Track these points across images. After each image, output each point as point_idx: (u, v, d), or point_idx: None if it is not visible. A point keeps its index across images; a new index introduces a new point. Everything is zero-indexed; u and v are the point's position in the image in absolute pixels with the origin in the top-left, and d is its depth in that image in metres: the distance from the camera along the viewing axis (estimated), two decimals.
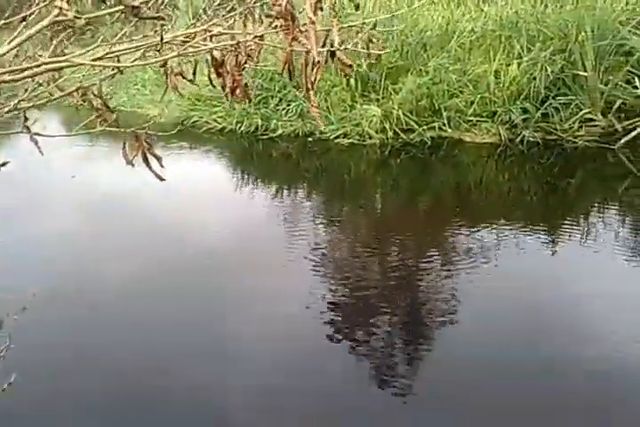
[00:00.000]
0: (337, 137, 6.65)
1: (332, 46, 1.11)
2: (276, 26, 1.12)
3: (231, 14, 1.16)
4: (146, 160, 1.20)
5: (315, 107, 1.27)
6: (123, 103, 8.28)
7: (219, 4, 1.41)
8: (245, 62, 1.15)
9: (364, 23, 1.20)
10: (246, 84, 1.23)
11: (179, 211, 4.87)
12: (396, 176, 6.22)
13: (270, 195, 5.62)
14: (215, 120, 7.18)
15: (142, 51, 1.12)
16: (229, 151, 6.96)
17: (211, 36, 1.13)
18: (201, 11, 1.38)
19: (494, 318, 3.29)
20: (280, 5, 0.99)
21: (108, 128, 1.14)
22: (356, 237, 4.70)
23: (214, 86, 1.45)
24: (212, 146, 7.00)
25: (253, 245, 4.32)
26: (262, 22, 1.16)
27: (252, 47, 1.15)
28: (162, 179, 1.24)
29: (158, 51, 1.04)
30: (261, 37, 1.16)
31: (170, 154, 6.39)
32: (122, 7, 0.84)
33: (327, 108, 6.70)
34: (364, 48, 1.24)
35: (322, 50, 1.11)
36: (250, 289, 3.61)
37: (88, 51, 1.00)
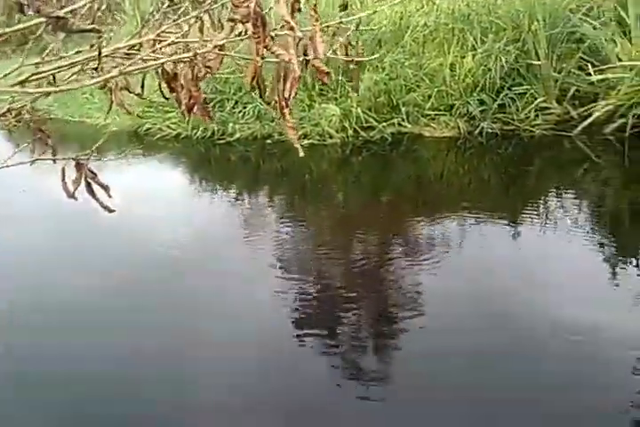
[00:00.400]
0: (297, 138, 6.51)
1: (305, 54, 0.97)
2: (241, 32, 0.98)
3: (184, 19, 1.01)
4: (91, 191, 1.04)
5: (291, 128, 1.13)
6: (70, 113, 7.96)
7: (168, 6, 1.25)
8: (205, 75, 1.01)
9: (340, 22, 1.07)
10: (205, 99, 1.09)
11: (135, 221, 4.65)
12: (358, 174, 6.15)
13: (230, 200, 5.46)
14: (169, 127, 6.95)
15: (79, 66, 0.96)
16: (186, 158, 6.75)
17: (160, 46, 0.98)
18: (148, 15, 1.22)
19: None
20: (247, 7, 0.85)
21: (42, 159, 0.98)
22: (324, 236, 4.59)
23: (167, 99, 1.30)
24: (167, 153, 6.78)
25: (217, 250, 4.17)
26: (222, 28, 1.02)
27: (212, 57, 1.01)
28: (111, 210, 1.09)
29: (96, 69, 0.89)
30: (222, 47, 1.01)
31: (123, 163, 6.16)
32: (43, 20, 0.68)
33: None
34: (343, 53, 1.11)
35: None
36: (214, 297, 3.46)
37: (11, 73, 0.84)
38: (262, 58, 0.93)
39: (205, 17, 1.04)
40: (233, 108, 6.87)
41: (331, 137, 6.46)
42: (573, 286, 3.39)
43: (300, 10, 0.90)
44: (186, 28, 1.04)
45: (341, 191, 5.74)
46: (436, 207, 4.96)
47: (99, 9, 0.96)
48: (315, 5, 1.01)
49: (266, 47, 0.90)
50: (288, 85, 1.00)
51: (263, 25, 0.87)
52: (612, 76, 6.00)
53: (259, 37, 0.88)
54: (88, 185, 1.10)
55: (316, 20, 0.98)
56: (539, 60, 6.33)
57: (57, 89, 0.87)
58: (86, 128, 7.61)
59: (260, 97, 1.11)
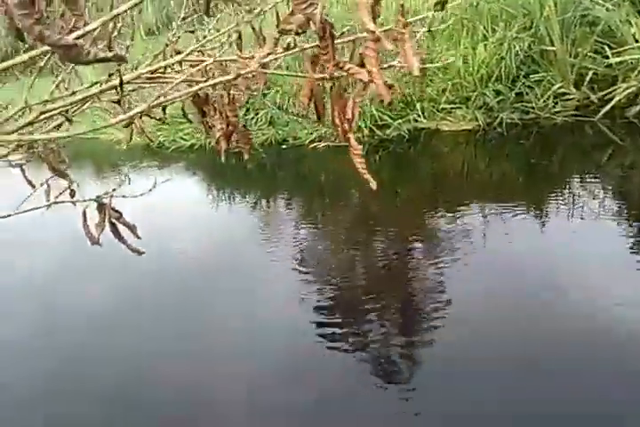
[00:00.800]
0: (312, 141, 6.43)
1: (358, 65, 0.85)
2: (289, 45, 0.87)
3: (218, 34, 0.91)
4: (116, 233, 0.96)
5: (358, 155, 1.01)
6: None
7: (184, 18, 1.15)
8: (247, 100, 0.91)
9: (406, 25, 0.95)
10: (245, 125, 0.99)
11: (159, 237, 4.59)
12: (376, 174, 6.01)
13: (251, 210, 5.38)
14: (183, 138, 6.90)
15: (93, 98, 0.87)
16: (200, 168, 6.70)
17: (198, 69, 0.88)
18: (173, 25, 1.12)
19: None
20: (309, 13, 0.72)
21: (59, 202, 0.90)
22: (363, 236, 4.51)
23: (190, 122, 1.22)
24: (182, 164, 6.73)
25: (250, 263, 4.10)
26: (264, 41, 0.91)
27: (254, 77, 0.90)
28: (140, 252, 1.00)
29: (118, 102, 0.79)
30: (265, 64, 0.91)
31: (139, 175, 6.14)
32: (47, 49, 0.59)
33: (298, 112, 6.48)
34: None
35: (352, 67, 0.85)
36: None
37: (17, 113, 0.75)
38: (332, 77, 0.82)
39: (244, 29, 0.93)
40: (245, 114, 6.80)
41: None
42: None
43: (378, 15, 0.78)
44: (216, 44, 0.94)
45: (366, 192, 5.64)
46: (466, 201, 4.85)
47: (115, 28, 0.85)
48: (402, 6, 0.88)
49: (337, 64, 0.79)
50: (350, 104, 0.89)
51: (331, 36, 0.75)
52: (630, 57, 5.82)
53: (327, 52, 0.76)
54: (113, 225, 1.01)
55: (405, 26, 0.86)
56: (553, 45, 6.17)
57: (74, 133, 0.78)
58: (100, 144, 7.59)
59: (318, 119, 1.00)
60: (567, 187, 4.99)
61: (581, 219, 4.16)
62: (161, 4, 11.17)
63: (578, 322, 2.94)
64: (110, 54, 0.60)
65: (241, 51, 0.98)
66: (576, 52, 6.18)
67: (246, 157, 1.40)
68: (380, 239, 4.44)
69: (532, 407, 2.43)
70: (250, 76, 0.96)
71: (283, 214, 5.25)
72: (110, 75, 0.83)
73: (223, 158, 1.61)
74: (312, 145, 6.43)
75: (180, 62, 0.94)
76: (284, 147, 6.57)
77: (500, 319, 3.07)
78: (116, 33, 0.87)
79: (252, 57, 0.95)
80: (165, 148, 7.00)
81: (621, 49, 5.87)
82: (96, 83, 0.85)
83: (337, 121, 0.97)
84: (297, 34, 0.79)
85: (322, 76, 0.90)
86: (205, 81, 0.88)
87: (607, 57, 5.94)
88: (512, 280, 3.45)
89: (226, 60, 0.94)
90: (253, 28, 0.97)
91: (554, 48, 6.17)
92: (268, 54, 0.92)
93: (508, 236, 4.05)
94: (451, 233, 4.22)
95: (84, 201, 0.94)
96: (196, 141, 6.89)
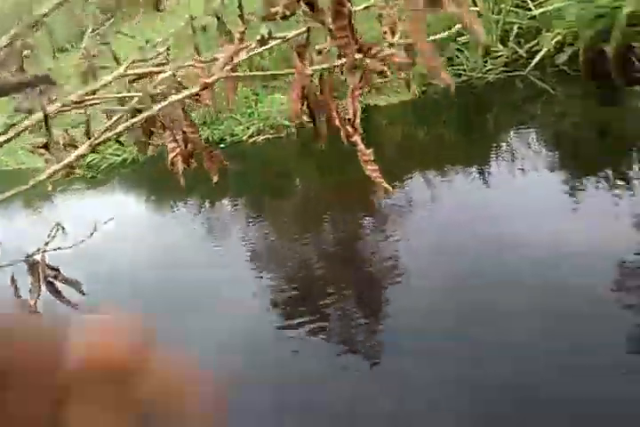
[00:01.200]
0: (251, 136, 6.16)
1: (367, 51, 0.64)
2: (263, 38, 0.65)
3: (164, 38, 0.67)
4: (55, 292, 0.74)
5: (368, 161, 0.81)
6: (5, 162, 7.40)
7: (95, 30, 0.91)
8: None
9: None
10: (207, 141, 0.76)
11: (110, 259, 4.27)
12: (321, 159, 5.79)
13: (195, 217, 5.10)
14: (112, 154, 6.49)
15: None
16: (133, 183, 6.32)
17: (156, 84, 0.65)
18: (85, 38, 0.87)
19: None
20: None
21: None
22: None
23: (122, 144, 0.97)
24: (113, 181, 6.34)
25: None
26: (228, 34, 0.69)
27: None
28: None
29: (46, 147, 0.56)
30: (235, 67, 0.69)
31: (71, 202, 5.75)
32: None
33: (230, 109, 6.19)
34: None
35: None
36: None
37: None
38: (356, 67, 0.61)
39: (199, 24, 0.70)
40: None
41: (286, 127, 6.12)
42: None
43: None
44: (154, 51, 0.70)
45: (311, 179, 5.44)
46: (409, 170, 4.78)
47: (25, 46, 0.60)
48: None
49: (361, 49, 0.58)
50: (350, 101, 0.69)
51: (350, 13, 0.54)
52: (552, 7, 5.81)
53: (345, 35, 0.56)
54: (50, 284, 0.79)
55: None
56: (476, 5, 6.07)
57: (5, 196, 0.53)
58: (24, 176, 7.06)
59: (314, 125, 0.78)
60: (504, 141, 5.04)
61: (521, 169, 4.23)
62: (71, 17, 10.52)
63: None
64: (32, 76, 0.37)
65: (199, 54, 0.75)
66: (499, 9, 6.13)
67: (215, 179, 1.17)
68: (332, 222, 4.37)
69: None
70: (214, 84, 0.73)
71: (233, 214, 5.01)
72: (29, 111, 0.59)
73: (182, 182, 1.36)
74: (251, 140, 6.16)
75: (119, 77, 0.70)
76: (222, 146, 6.26)
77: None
78: (26, 52, 0.63)
79: (215, 59, 0.72)
80: (96, 167, 6.57)
81: (543, 0, 5.85)
82: (13, 125, 0.60)
83: (337, 122, 0.76)
84: (283, 18, 0.58)
85: (321, 67, 0.69)
86: (163, 99, 0.66)
87: (530, 9, 5.90)
88: (460, 233, 3.54)
89: (184, 67, 0.71)
90: (219, 18, 0.75)
91: (477, 8, 6.08)
92: (238, 52, 0.69)
93: (452, 193, 4.18)
94: (398, 203, 4.18)
95: (11, 265, 0.71)
96: (129, 155, 6.49)
